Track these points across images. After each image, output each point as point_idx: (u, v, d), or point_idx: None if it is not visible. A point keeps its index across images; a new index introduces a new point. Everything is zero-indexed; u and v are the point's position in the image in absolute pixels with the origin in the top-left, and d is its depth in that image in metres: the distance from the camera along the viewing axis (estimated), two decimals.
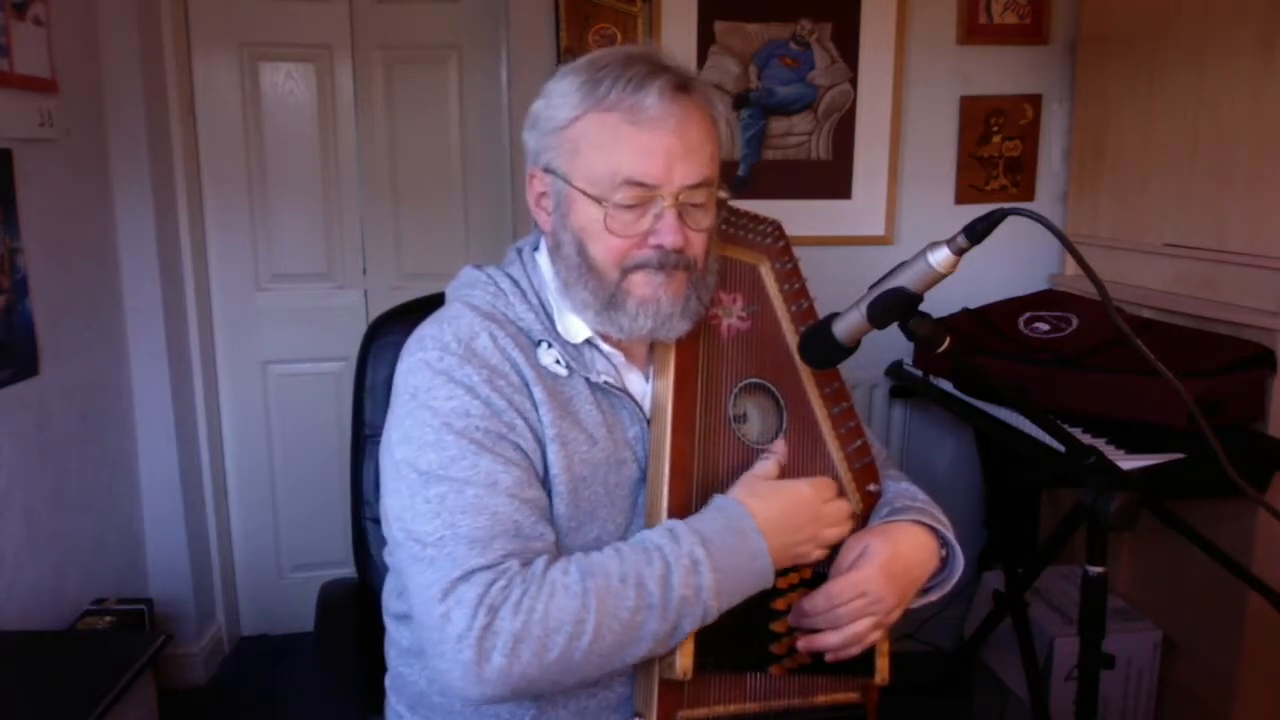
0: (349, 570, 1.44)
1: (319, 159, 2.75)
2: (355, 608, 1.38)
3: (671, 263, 1.03)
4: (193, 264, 2.64)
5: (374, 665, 1.26)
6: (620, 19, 2.49)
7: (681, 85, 1.02)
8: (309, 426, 2.82)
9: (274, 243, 2.77)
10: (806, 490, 1.06)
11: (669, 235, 1.01)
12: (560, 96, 1.04)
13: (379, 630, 1.24)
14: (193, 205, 2.64)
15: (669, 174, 1.00)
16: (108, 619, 2.14)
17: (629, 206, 1.01)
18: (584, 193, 1.03)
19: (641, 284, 1.04)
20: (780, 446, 1.11)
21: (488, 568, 0.95)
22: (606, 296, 1.04)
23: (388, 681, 1.23)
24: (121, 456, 2.45)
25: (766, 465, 1.08)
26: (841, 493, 1.12)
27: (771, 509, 1.03)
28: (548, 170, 1.06)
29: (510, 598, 0.93)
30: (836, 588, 1.04)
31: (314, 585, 1.51)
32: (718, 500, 1.04)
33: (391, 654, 1.21)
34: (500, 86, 2.72)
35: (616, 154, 1.00)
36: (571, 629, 0.93)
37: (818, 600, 1.05)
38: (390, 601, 1.20)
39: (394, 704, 1.21)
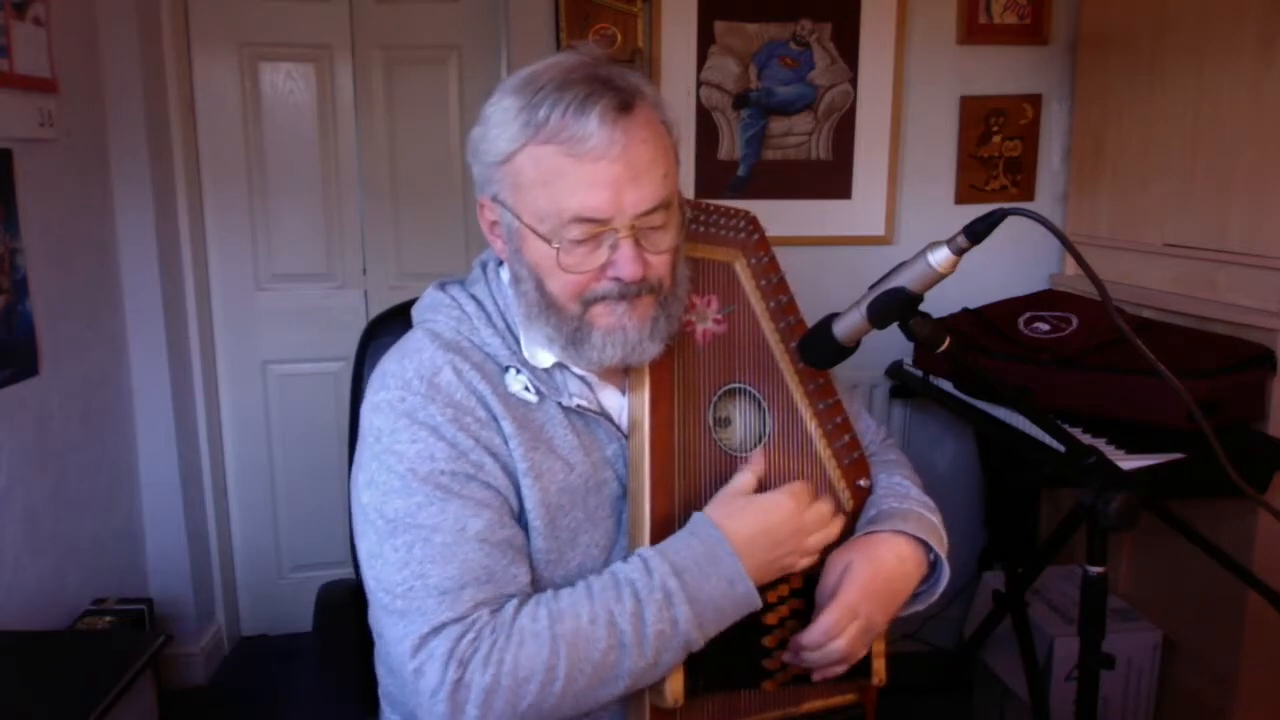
0: (349, 570, 1.44)
1: (319, 159, 2.75)
2: (354, 608, 1.38)
3: (633, 292, 0.98)
4: (193, 264, 2.64)
5: (373, 667, 1.26)
6: (620, 19, 2.49)
7: (624, 104, 0.95)
8: (309, 426, 2.82)
9: (274, 243, 2.77)
10: (786, 502, 1.02)
11: (626, 267, 0.96)
12: (498, 126, 0.98)
13: None
14: (193, 205, 2.65)
15: (619, 204, 0.95)
16: (108, 619, 2.14)
17: (581, 241, 0.96)
18: (533, 230, 0.98)
19: (604, 315, 0.99)
20: (757, 458, 1.06)
21: (457, 620, 0.93)
22: (570, 331, 1.00)
23: (380, 692, 1.22)
24: (121, 456, 2.45)
25: (743, 479, 1.04)
26: (820, 492, 1.09)
27: (749, 527, 0.99)
28: (496, 200, 1.02)
29: (479, 650, 0.92)
30: (830, 620, 1.02)
31: (314, 585, 1.51)
32: (694, 521, 1.01)
33: (380, 670, 1.20)
34: None
35: (561, 190, 0.95)
36: (543, 676, 0.92)
37: (814, 635, 1.02)
38: (377, 627, 1.19)
39: (388, 714, 1.20)
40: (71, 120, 2.19)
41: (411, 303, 1.21)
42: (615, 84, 0.96)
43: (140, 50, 2.38)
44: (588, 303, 1.00)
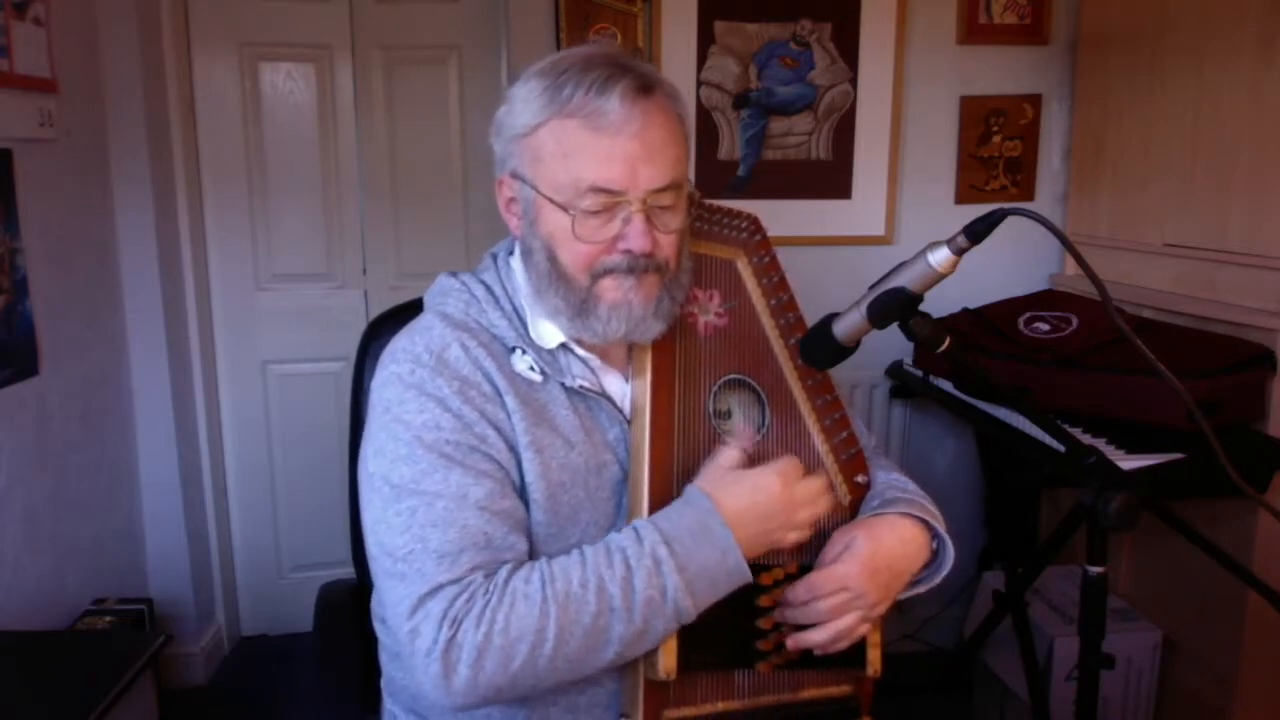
0: (349, 570, 1.44)
1: (319, 159, 2.75)
2: (355, 608, 1.38)
3: (641, 266, 1.03)
4: (193, 264, 2.64)
5: (373, 666, 1.26)
6: (620, 19, 2.49)
7: (644, 87, 1.01)
8: (309, 426, 2.82)
9: (274, 243, 2.77)
10: (772, 478, 1.04)
11: (637, 240, 1.01)
12: (522, 103, 1.03)
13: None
14: (193, 205, 2.65)
15: (634, 179, 1.00)
16: (108, 619, 2.14)
17: (595, 212, 1.01)
18: (550, 200, 1.02)
19: (611, 289, 1.03)
20: (744, 432, 1.09)
21: (454, 582, 0.96)
22: (578, 302, 1.04)
23: (382, 684, 1.23)
24: (121, 456, 2.45)
25: (729, 453, 1.06)
26: (811, 469, 1.10)
27: (738, 501, 1.01)
28: (514, 176, 1.06)
29: (473, 610, 0.94)
30: (817, 580, 1.05)
31: (314, 585, 1.51)
32: (687, 493, 1.03)
33: (384, 658, 1.21)
34: (500, 86, 2.71)
35: (580, 161, 1.00)
36: (533, 638, 0.94)
37: (799, 591, 1.05)
38: (378, 608, 1.20)
39: (389, 706, 1.21)
40: (71, 120, 2.19)
41: (412, 303, 1.22)
42: (636, 69, 1.03)
43: (140, 50, 2.38)
44: (596, 275, 1.04)
